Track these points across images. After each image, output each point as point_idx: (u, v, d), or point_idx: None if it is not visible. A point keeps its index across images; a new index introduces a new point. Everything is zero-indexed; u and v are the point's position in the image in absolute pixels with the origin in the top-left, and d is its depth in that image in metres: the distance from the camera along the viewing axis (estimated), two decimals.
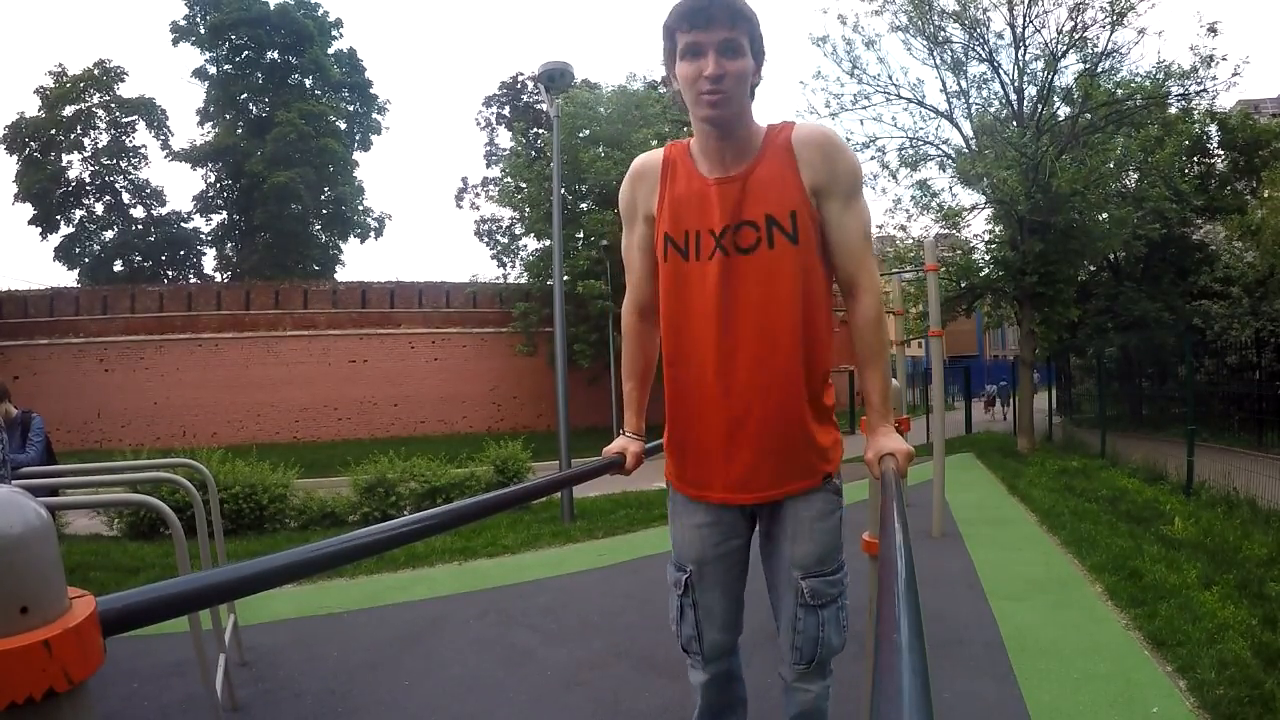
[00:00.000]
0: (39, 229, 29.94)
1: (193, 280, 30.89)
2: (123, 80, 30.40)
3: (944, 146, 14.17)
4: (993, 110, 14.04)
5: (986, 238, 14.91)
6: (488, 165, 30.83)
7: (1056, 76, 13.08)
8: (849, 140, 16.96)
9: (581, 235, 20.84)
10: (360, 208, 33.58)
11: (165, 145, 31.35)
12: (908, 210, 14.66)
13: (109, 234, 31.18)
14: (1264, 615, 3.99)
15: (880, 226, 14.84)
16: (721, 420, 1.70)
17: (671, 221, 1.71)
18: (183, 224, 32.25)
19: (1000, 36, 13.37)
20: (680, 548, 1.88)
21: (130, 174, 31.22)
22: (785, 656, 1.79)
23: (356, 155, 33.64)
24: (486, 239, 25.77)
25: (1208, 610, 4.10)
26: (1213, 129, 16.00)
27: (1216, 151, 16.66)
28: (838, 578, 1.77)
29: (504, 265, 24.61)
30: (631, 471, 1.88)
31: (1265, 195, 16.11)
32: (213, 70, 30.90)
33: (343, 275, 32.73)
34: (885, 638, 0.69)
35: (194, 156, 30.95)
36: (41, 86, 29.27)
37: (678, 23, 1.57)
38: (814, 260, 1.68)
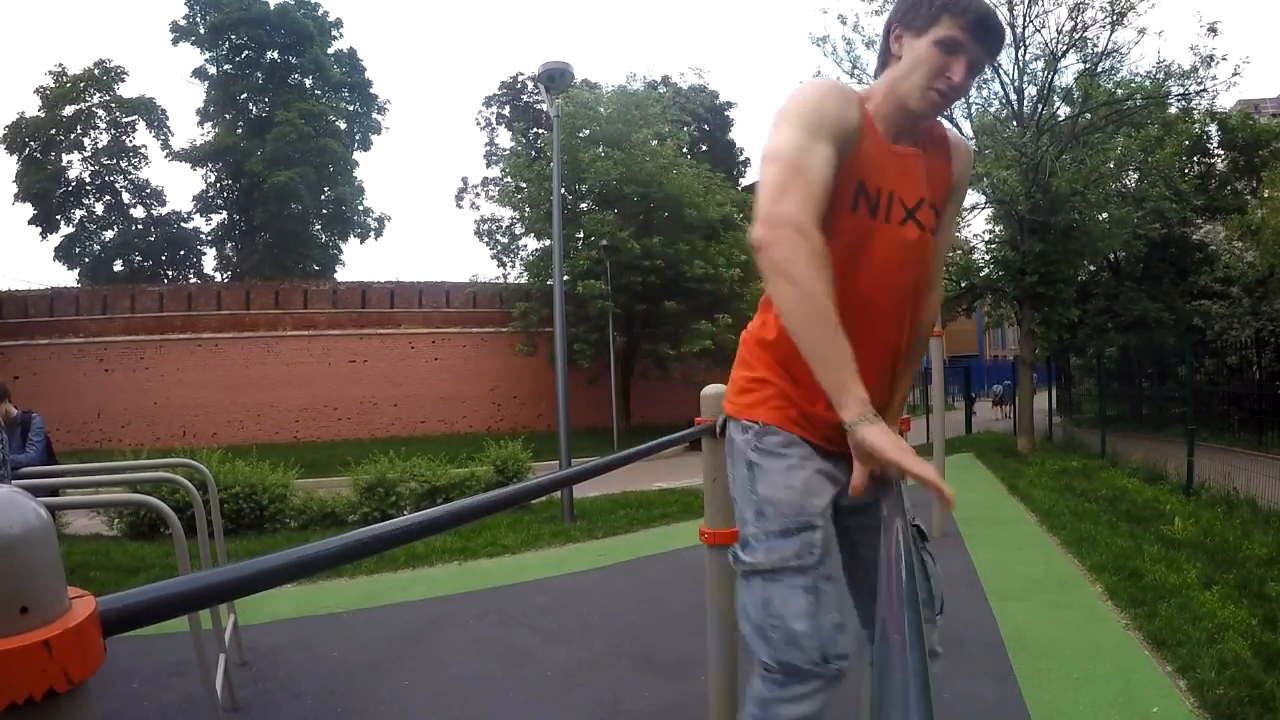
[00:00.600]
0: (39, 229, 30.04)
1: (193, 280, 30.95)
2: (123, 80, 30.49)
3: None
4: (993, 110, 14.04)
5: (986, 237, 14.93)
6: (488, 165, 30.90)
7: (1056, 76, 13.08)
8: None
9: (581, 235, 20.85)
10: (360, 208, 33.64)
11: (165, 145, 31.46)
12: None
13: (109, 234, 31.24)
14: (1264, 615, 3.99)
15: None
16: (873, 381, 1.44)
17: (869, 172, 1.49)
18: (183, 224, 32.33)
19: None
20: (802, 498, 1.46)
21: (130, 174, 31.32)
22: (912, 620, 1.57)
23: (356, 155, 33.78)
24: (486, 239, 25.79)
25: (1208, 610, 4.09)
26: (1213, 129, 16.01)
27: (1216, 151, 16.66)
28: None
29: (504, 265, 24.66)
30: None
31: (1265, 195, 16.11)
32: (213, 70, 30.95)
33: (343, 275, 32.84)
34: (885, 638, 0.69)
35: (194, 156, 30.99)
36: (42, 86, 29.38)
37: (955, 18, 1.45)
38: None
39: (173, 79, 75.49)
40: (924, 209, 1.58)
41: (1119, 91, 12.50)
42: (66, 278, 30.92)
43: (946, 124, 1.73)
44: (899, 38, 1.53)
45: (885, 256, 1.51)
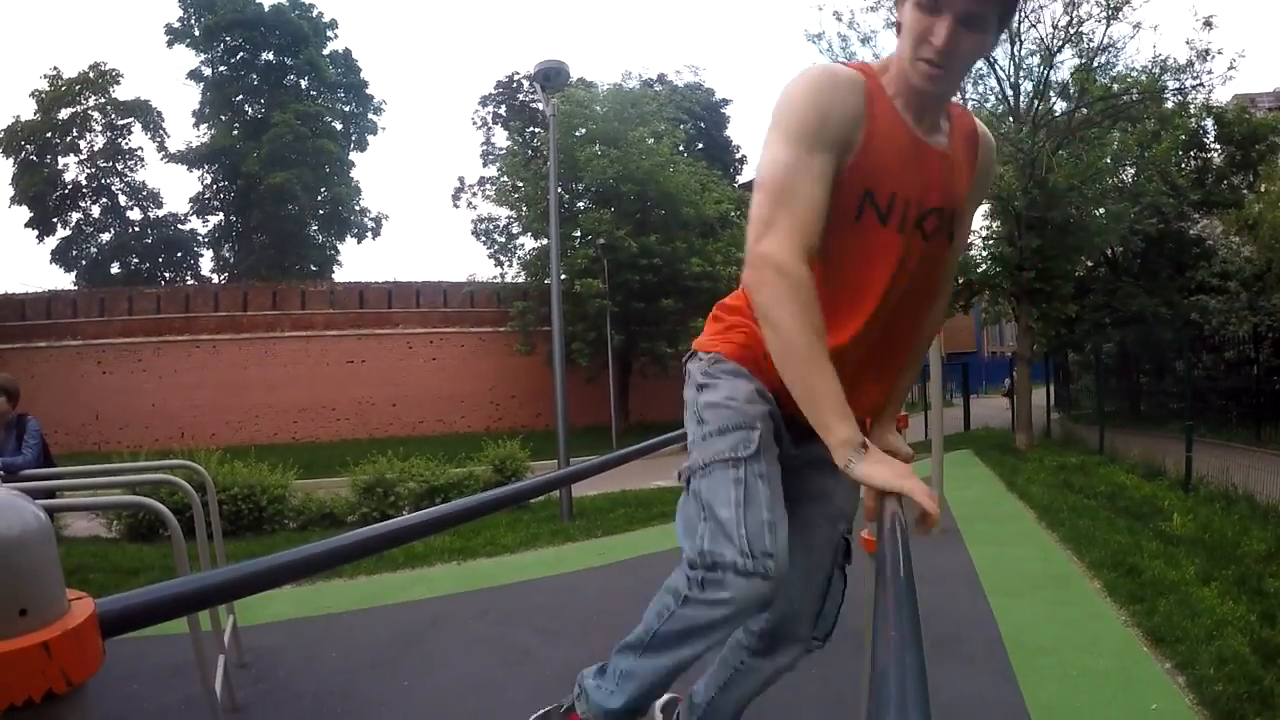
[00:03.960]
0: (36, 232, 29.93)
1: (190, 282, 30.87)
2: (118, 83, 30.37)
3: None
4: (989, 106, 14.04)
5: (984, 233, 14.93)
6: (484, 164, 30.80)
7: (1052, 71, 13.09)
8: None
9: (578, 234, 20.83)
10: (357, 208, 33.55)
11: (161, 147, 31.35)
12: None
13: (106, 236, 31.15)
14: (1263, 611, 4.00)
15: None
16: (873, 390, 1.54)
17: (877, 174, 1.36)
18: (179, 226, 32.23)
19: None
20: (743, 405, 1.44)
21: (126, 176, 31.20)
22: (801, 635, 1.62)
23: (353, 155, 33.63)
24: (484, 238, 25.75)
25: (1206, 606, 4.10)
26: (1209, 123, 16.01)
27: (1213, 146, 16.67)
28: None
29: (501, 264, 24.61)
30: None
31: (1262, 189, 16.13)
32: (208, 72, 30.85)
33: (340, 276, 32.74)
34: (883, 635, 0.69)
35: (190, 158, 30.92)
36: (37, 89, 29.22)
37: None
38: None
39: (168, 81, 75.39)
40: (946, 214, 1.44)
41: (1115, 86, 12.52)
42: (64, 280, 30.84)
43: (972, 114, 1.58)
44: (899, 1, 1.36)
45: (884, 266, 1.39)
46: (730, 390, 1.46)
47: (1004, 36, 13.16)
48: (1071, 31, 12.63)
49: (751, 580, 1.28)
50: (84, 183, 30.45)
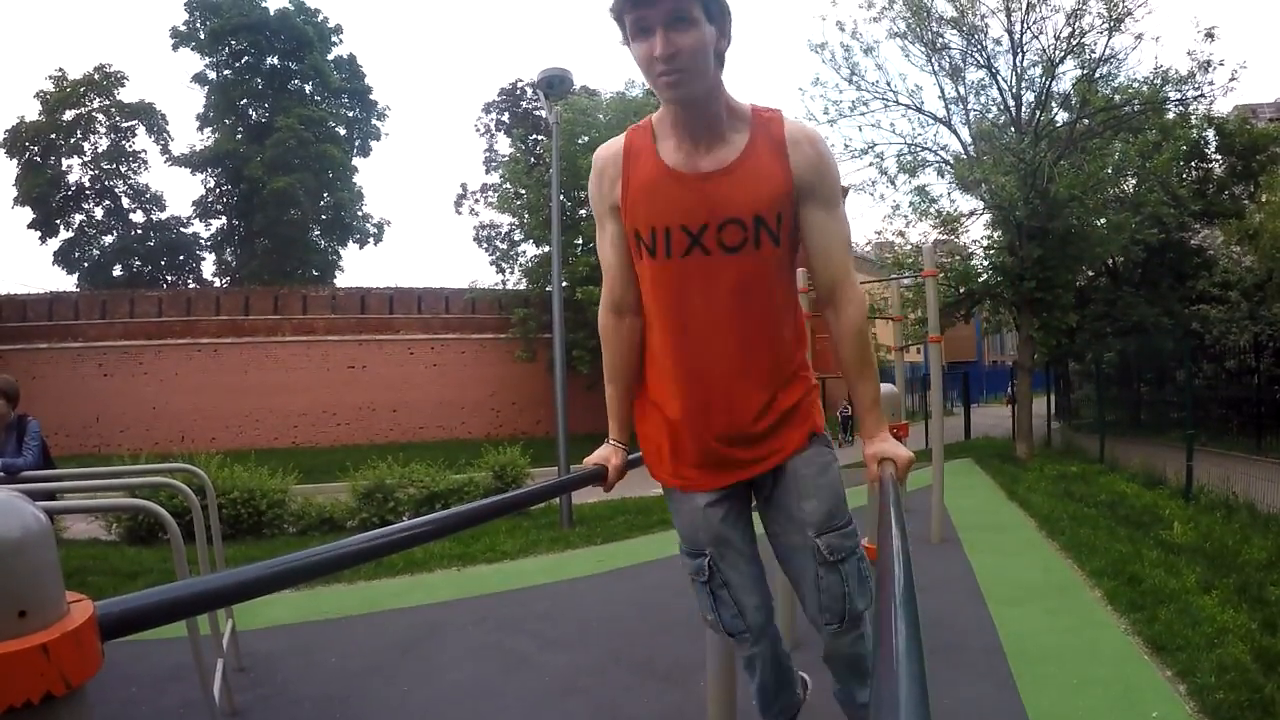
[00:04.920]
0: (38, 233, 29.96)
1: (192, 285, 30.90)
2: (123, 85, 30.45)
3: (942, 152, 14.22)
4: (991, 116, 14.07)
5: (985, 243, 14.95)
6: (487, 171, 30.84)
7: (1054, 82, 13.12)
8: (848, 146, 17.06)
9: (580, 241, 20.85)
10: (359, 213, 33.57)
11: (165, 150, 31.40)
12: (906, 216, 14.69)
13: (108, 238, 31.17)
14: (1264, 619, 3.99)
15: (879, 232, 14.91)
16: (700, 409, 1.66)
17: (640, 217, 1.59)
18: (182, 229, 32.26)
19: (998, 43, 13.44)
20: (690, 534, 1.79)
21: (130, 179, 31.24)
22: (816, 621, 1.75)
23: (356, 161, 33.68)
24: (486, 245, 25.82)
25: (1207, 614, 4.10)
26: (1210, 134, 16.01)
27: (1214, 156, 16.66)
28: (851, 529, 1.72)
29: (503, 271, 24.64)
30: (612, 486, 1.81)
31: (1263, 200, 16.12)
32: (212, 75, 30.92)
33: (342, 281, 32.69)
34: (884, 643, 0.69)
35: (193, 162, 30.97)
36: (42, 91, 29.29)
37: (619, 4, 1.44)
38: (792, 263, 1.65)
39: (173, 84, 75.66)
40: (729, 227, 1.53)
41: (1117, 97, 12.55)
42: (66, 282, 30.83)
43: (792, 119, 1.60)
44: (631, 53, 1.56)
45: (675, 289, 1.59)
46: (679, 519, 1.82)
47: (1004, 47, 13.23)
48: (1074, 42, 12.68)
49: (741, 639, 1.81)
50: (87, 185, 30.49)
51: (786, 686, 1.95)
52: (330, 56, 32.41)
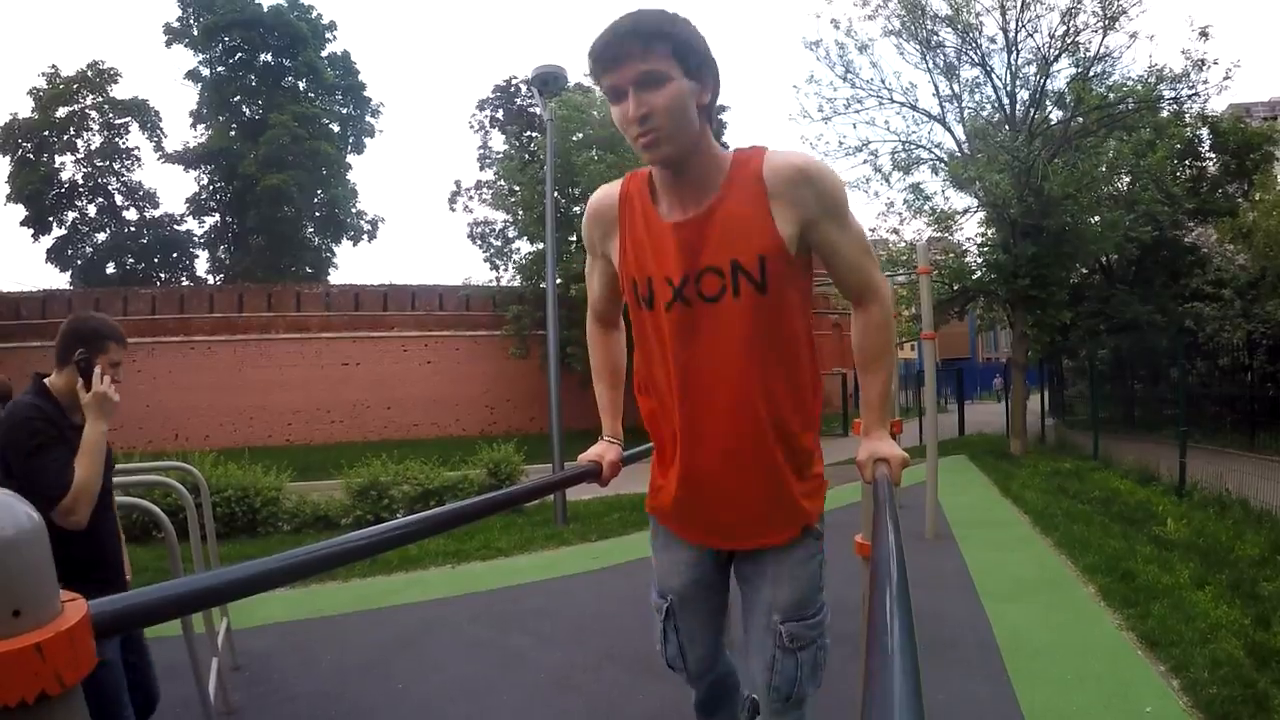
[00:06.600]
0: (31, 231, 29.89)
1: (185, 283, 30.83)
2: (116, 82, 30.37)
3: (936, 150, 14.24)
4: (985, 114, 14.09)
5: (979, 241, 14.97)
6: (481, 168, 30.78)
7: (1049, 80, 13.15)
8: (842, 143, 17.06)
9: (575, 238, 20.79)
10: (353, 210, 33.55)
11: (158, 147, 31.36)
12: (900, 214, 14.74)
13: (102, 236, 31.11)
14: (1256, 615, 4.01)
15: (873, 230, 14.87)
16: (695, 475, 1.62)
17: (632, 267, 1.59)
18: (175, 226, 32.21)
19: (993, 41, 13.45)
20: (662, 577, 1.84)
21: (123, 176, 31.20)
22: (760, 693, 1.74)
23: (350, 158, 33.68)
24: (480, 242, 25.73)
25: (1200, 610, 4.12)
26: (1204, 132, 16.07)
27: (1208, 155, 16.71)
28: (817, 620, 1.69)
29: (497, 268, 24.56)
30: (607, 482, 1.80)
31: (1257, 198, 16.18)
32: (206, 72, 30.85)
33: (336, 278, 32.68)
34: (877, 640, 0.69)
35: (187, 159, 30.90)
36: (35, 88, 29.23)
37: (593, 69, 1.42)
38: (789, 306, 1.54)
39: (166, 81, 75.39)
40: (707, 277, 1.49)
41: (1111, 95, 12.56)
42: (59, 280, 30.78)
43: (774, 151, 1.51)
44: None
45: (659, 341, 1.59)
46: (655, 556, 1.87)
47: (998, 45, 13.25)
48: (1068, 41, 12.70)
49: (680, 673, 1.88)
50: (80, 182, 30.41)
51: (725, 707, 2.01)
52: (324, 53, 32.36)
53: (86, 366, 2.15)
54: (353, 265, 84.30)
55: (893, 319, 1.65)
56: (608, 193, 1.65)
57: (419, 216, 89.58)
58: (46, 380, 2.22)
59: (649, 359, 1.65)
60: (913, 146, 14.23)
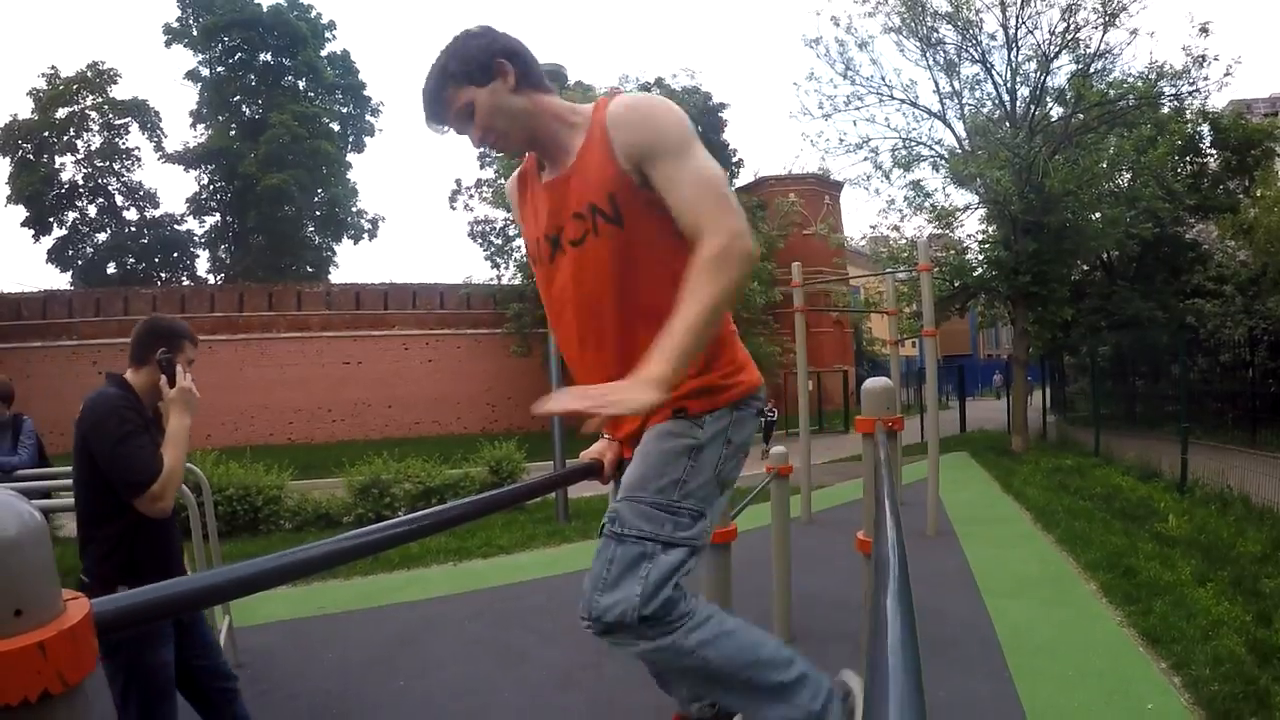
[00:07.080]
0: (32, 231, 29.89)
1: (186, 282, 30.81)
2: (116, 82, 30.34)
3: (937, 147, 14.25)
4: (985, 111, 14.10)
5: (980, 238, 14.98)
6: (481, 166, 30.62)
7: (1049, 77, 13.16)
8: (843, 140, 17.06)
9: None
10: (354, 209, 33.53)
11: (158, 147, 31.33)
12: (901, 211, 14.75)
13: (102, 236, 31.10)
14: (1258, 611, 4.01)
15: (874, 227, 14.87)
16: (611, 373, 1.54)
17: (527, 234, 1.71)
18: (176, 226, 32.19)
19: (993, 38, 13.47)
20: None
21: (123, 176, 31.18)
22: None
23: (350, 157, 33.66)
24: (480, 240, 25.70)
25: (1202, 607, 4.11)
26: (1205, 129, 16.06)
27: (1209, 151, 16.70)
28: (660, 515, 1.43)
29: (498, 266, 24.56)
30: (609, 479, 1.79)
31: (1258, 194, 16.17)
32: (206, 72, 30.83)
33: (336, 277, 32.69)
34: (878, 637, 0.69)
35: (187, 159, 30.89)
36: (34, 88, 29.22)
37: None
38: (650, 233, 1.49)
39: (166, 81, 75.47)
40: (570, 225, 1.55)
41: (1111, 92, 12.56)
42: (60, 280, 30.78)
43: (621, 96, 1.55)
44: None
45: (548, 292, 1.66)
46: None
47: (999, 42, 13.25)
48: (1068, 38, 12.69)
49: None
50: (81, 182, 30.40)
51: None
52: (324, 52, 32.34)
53: (169, 364, 2.30)
54: (353, 264, 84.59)
55: (732, 263, 1.37)
56: (513, 175, 1.77)
57: (419, 215, 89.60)
58: (125, 376, 2.37)
59: (554, 318, 1.69)
60: (913, 143, 14.25)
